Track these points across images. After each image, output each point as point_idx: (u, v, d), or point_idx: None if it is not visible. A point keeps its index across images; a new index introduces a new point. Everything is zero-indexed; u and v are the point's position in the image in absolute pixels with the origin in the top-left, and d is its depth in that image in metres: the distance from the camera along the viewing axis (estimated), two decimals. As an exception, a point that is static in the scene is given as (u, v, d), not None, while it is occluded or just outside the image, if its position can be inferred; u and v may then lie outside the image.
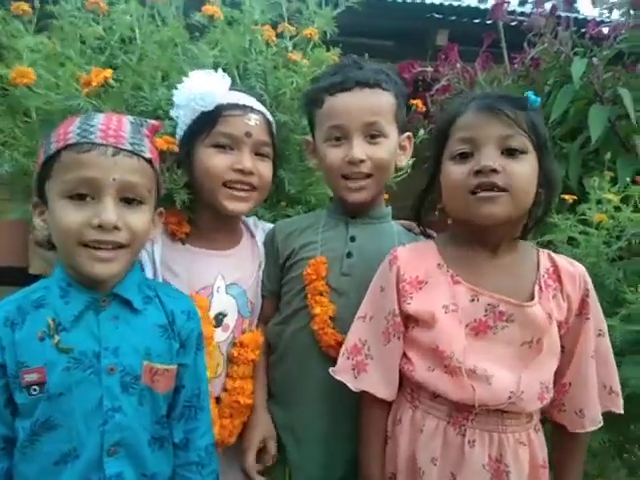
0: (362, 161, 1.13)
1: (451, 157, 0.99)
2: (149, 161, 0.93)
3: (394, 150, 1.18)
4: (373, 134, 1.14)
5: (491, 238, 1.00)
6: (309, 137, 1.27)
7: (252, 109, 1.16)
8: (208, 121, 1.13)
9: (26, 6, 1.35)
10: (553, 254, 1.04)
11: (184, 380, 1.00)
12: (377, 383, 1.02)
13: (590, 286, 1.01)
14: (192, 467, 1.01)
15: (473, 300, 0.97)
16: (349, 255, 1.17)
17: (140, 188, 0.91)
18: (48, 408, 0.87)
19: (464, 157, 0.97)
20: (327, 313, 1.12)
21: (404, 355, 1.03)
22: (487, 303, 0.96)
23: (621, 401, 1.02)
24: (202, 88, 1.11)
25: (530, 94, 0.99)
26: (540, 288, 0.98)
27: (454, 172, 0.97)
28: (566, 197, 1.62)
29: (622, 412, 1.02)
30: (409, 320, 1.02)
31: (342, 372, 1.05)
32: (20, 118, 1.31)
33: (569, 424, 1.03)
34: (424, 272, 1.01)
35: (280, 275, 1.24)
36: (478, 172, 0.93)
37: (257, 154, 1.18)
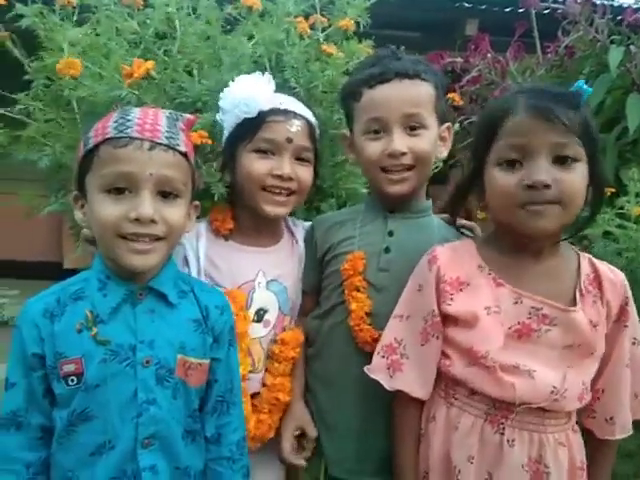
0: (403, 153, 1.11)
1: (498, 162, 0.95)
2: (184, 155, 0.94)
3: (434, 141, 1.16)
4: (413, 126, 1.12)
5: (533, 244, 0.98)
6: (346, 131, 1.26)
7: (295, 114, 1.17)
8: (251, 127, 1.14)
9: None
10: (595, 260, 1.02)
11: (217, 374, 1.01)
12: (413, 382, 1.01)
13: (629, 294, 0.99)
14: (223, 462, 1.02)
15: (517, 303, 0.96)
16: (387, 250, 1.16)
17: (176, 182, 0.92)
18: (85, 399, 0.89)
19: (512, 164, 0.93)
20: (363, 309, 1.12)
21: (441, 351, 1.02)
22: (531, 306, 0.95)
23: None
24: (246, 94, 1.12)
25: (580, 84, 0.95)
26: (581, 294, 0.96)
27: (502, 181, 0.94)
28: (603, 190, 1.57)
29: None
30: (447, 320, 1.00)
31: (377, 371, 1.05)
32: (64, 108, 1.34)
33: (598, 430, 1.02)
34: (464, 273, 1.00)
35: (320, 269, 1.24)
36: (530, 187, 0.90)
37: (297, 159, 1.19)
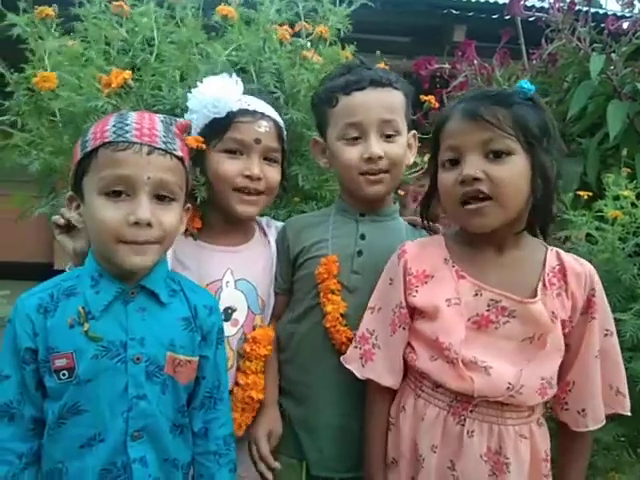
0: (380, 157, 1.16)
1: (442, 164, 1.02)
2: (180, 159, 0.97)
3: (405, 147, 1.22)
4: (388, 131, 1.17)
5: (493, 238, 1.01)
6: (317, 137, 1.29)
7: (263, 115, 1.20)
8: (220, 127, 1.17)
9: (50, 10, 1.39)
10: (562, 252, 1.04)
11: (205, 372, 1.04)
12: (382, 372, 1.05)
13: (597, 285, 1.00)
14: (210, 456, 1.05)
15: (476, 295, 0.99)
16: (360, 253, 1.19)
17: (172, 185, 0.95)
18: (76, 393, 0.91)
19: (453, 164, 0.99)
20: (338, 311, 1.14)
21: (409, 344, 1.05)
22: (490, 298, 0.98)
23: (628, 402, 1.02)
24: (215, 94, 1.14)
25: (522, 84, 0.99)
26: (544, 285, 0.99)
27: (444, 180, 1.00)
28: (581, 194, 1.62)
29: (629, 413, 1.03)
30: (414, 312, 1.04)
31: (351, 361, 1.09)
32: (46, 117, 1.37)
33: (572, 422, 1.04)
34: (431, 266, 1.04)
35: (291, 271, 1.26)
36: (462, 182, 0.95)
37: (266, 159, 1.22)
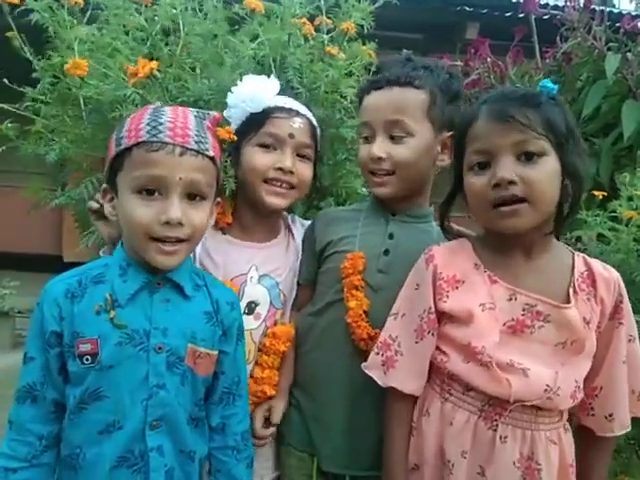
0: (380, 158, 1.15)
1: (469, 168, 0.99)
2: (212, 158, 0.98)
3: (424, 148, 1.16)
4: (396, 133, 1.15)
5: (522, 241, 1.00)
6: None
7: (298, 113, 1.23)
8: (256, 122, 1.20)
9: None
10: (588, 258, 1.03)
11: (224, 367, 1.05)
12: (404, 379, 1.04)
13: (624, 292, 1.00)
14: (228, 451, 1.06)
15: (511, 299, 0.98)
16: (386, 252, 1.18)
17: (203, 185, 0.96)
18: (98, 378, 0.92)
19: (482, 167, 0.97)
20: (362, 307, 1.14)
21: (437, 348, 1.03)
22: (525, 302, 0.97)
23: None
24: (253, 91, 1.19)
25: (545, 83, 0.98)
26: (575, 291, 0.98)
27: (474, 184, 0.98)
28: (595, 193, 1.62)
29: None
30: (442, 317, 1.02)
31: (372, 368, 1.07)
32: (69, 105, 1.37)
33: (598, 428, 1.03)
34: (461, 271, 1.02)
35: (316, 263, 1.27)
36: (496, 185, 0.93)
37: (298, 155, 1.24)
